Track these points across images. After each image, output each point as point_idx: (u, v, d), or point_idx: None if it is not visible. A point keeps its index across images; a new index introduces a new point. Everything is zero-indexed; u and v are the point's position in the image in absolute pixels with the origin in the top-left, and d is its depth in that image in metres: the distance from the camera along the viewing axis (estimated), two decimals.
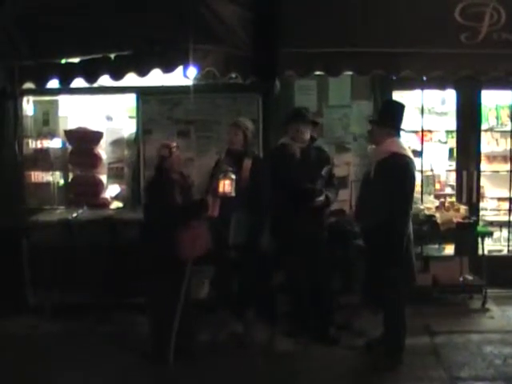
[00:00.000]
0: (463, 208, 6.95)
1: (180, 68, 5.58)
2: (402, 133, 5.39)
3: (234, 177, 5.20)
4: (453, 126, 7.61)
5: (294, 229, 5.66)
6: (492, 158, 7.99)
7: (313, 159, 5.80)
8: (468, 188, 7.33)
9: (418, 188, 7.49)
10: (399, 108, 5.42)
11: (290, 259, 5.87)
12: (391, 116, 5.33)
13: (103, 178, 7.37)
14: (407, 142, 7.43)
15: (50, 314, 6.50)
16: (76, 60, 5.96)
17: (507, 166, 7.71)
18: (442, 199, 7.31)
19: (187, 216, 5.20)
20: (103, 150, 7.37)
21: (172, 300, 5.15)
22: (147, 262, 5.22)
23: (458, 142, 7.52)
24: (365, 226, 5.45)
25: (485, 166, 7.74)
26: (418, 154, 7.52)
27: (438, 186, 7.96)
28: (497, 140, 8.05)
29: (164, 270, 5.10)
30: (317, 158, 5.83)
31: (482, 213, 7.60)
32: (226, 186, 5.17)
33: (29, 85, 6.36)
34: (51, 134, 7.36)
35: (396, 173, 5.09)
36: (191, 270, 5.26)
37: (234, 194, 5.20)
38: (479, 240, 6.97)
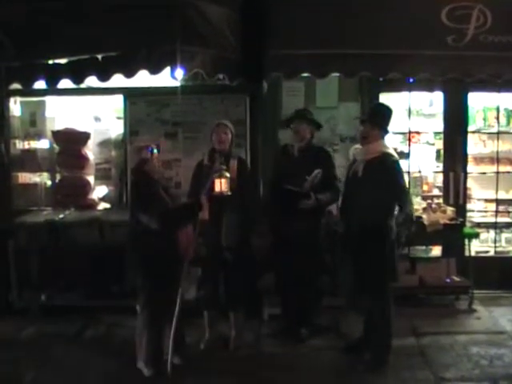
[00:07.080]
0: (450, 209, 6.97)
1: (167, 69, 5.57)
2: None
3: (228, 175, 5.18)
4: (440, 127, 7.62)
5: (285, 229, 5.69)
6: (479, 159, 8.00)
7: (311, 159, 5.78)
8: (455, 189, 7.36)
9: None
10: (390, 111, 5.46)
11: (280, 260, 5.89)
12: (384, 118, 5.37)
13: (91, 178, 7.34)
14: (394, 143, 7.49)
15: (37, 316, 6.47)
16: (63, 61, 5.94)
17: (494, 168, 7.75)
18: (429, 201, 7.34)
19: (184, 217, 5.12)
20: (90, 150, 7.34)
21: (169, 302, 4.98)
22: (142, 264, 5.08)
23: (445, 144, 7.56)
24: (352, 226, 5.34)
25: (472, 167, 7.77)
26: (406, 155, 7.55)
27: (425, 188, 7.98)
28: (484, 142, 8.06)
29: (160, 272, 4.95)
30: (315, 158, 5.81)
31: (468, 214, 7.65)
32: (222, 184, 5.13)
33: (16, 85, 6.33)
34: (38, 135, 7.33)
35: (388, 171, 5.14)
36: (187, 271, 5.18)
37: (229, 193, 5.17)
38: (466, 241, 7.01)
